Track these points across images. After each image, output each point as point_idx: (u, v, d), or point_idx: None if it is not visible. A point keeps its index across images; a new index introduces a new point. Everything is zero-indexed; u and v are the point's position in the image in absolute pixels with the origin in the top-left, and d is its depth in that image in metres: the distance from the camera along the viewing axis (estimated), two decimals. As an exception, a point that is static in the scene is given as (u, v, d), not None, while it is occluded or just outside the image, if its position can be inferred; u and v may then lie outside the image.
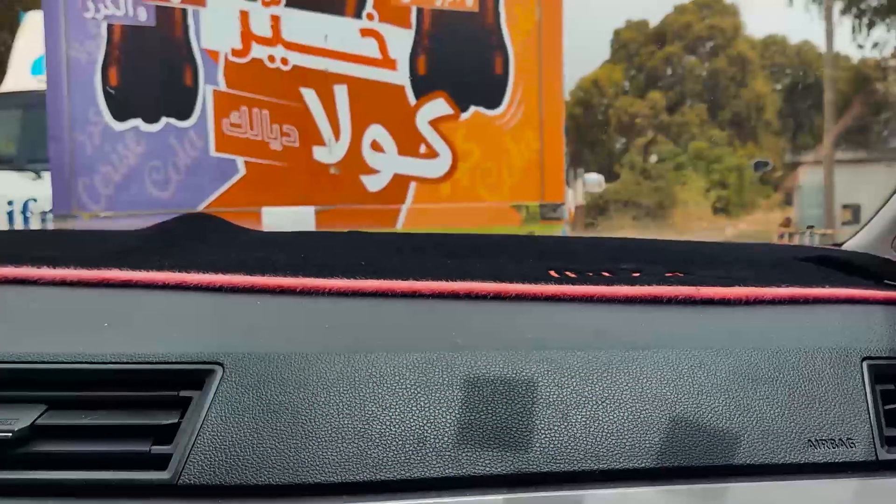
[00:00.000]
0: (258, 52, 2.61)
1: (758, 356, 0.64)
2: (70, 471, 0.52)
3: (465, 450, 0.54)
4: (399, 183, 2.63)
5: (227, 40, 2.61)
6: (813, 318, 0.76)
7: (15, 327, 0.63)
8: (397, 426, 0.55)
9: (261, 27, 2.60)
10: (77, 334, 0.61)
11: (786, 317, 0.75)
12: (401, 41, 2.59)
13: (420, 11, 2.59)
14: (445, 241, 1.04)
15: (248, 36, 2.61)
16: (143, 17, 2.63)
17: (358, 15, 2.61)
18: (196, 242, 0.91)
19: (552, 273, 0.81)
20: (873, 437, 0.61)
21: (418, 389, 0.57)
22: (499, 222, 2.60)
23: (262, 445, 0.53)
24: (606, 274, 0.82)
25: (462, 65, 2.60)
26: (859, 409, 0.63)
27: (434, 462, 0.54)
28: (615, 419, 0.57)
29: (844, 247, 1.09)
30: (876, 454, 0.60)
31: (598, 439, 0.56)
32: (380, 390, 0.56)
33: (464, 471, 0.54)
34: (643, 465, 0.56)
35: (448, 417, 0.56)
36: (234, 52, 2.62)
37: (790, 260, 0.97)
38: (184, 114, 2.65)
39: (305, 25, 2.59)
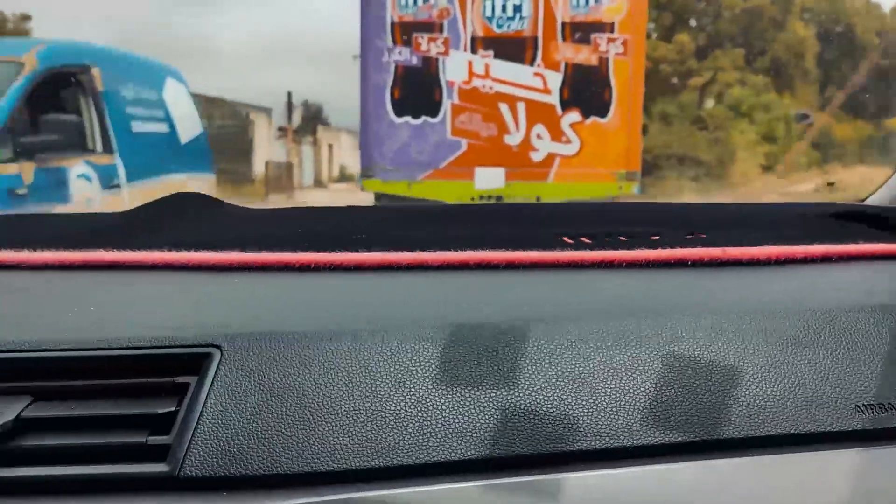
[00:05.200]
0: (476, 82, 5.83)
1: (795, 318, 0.68)
2: (61, 465, 0.55)
3: (489, 430, 0.58)
4: (550, 157, 5.90)
5: (459, 75, 5.82)
6: (850, 275, 0.82)
7: None
8: (414, 407, 0.58)
9: (479, 69, 5.82)
10: (62, 320, 0.66)
11: (820, 275, 0.81)
12: (555, 79, 5.82)
13: (566, 63, 5.81)
14: (449, 211, 1.18)
15: (471, 73, 5.82)
16: (415, 61, 5.83)
17: (532, 63, 5.82)
18: (185, 220, 0.98)
19: (566, 239, 0.88)
20: None
21: (435, 367, 0.60)
22: (603, 180, 5.88)
23: (268, 432, 0.56)
24: (623, 239, 0.90)
25: (588, 93, 5.84)
26: None
27: (455, 445, 0.57)
28: (646, 390, 0.61)
29: (867, 202, 1.17)
30: None
31: (629, 413, 0.60)
32: (392, 369, 0.60)
33: (488, 452, 0.57)
34: (680, 438, 0.59)
35: (468, 396, 0.59)
36: (464, 82, 5.84)
37: (814, 218, 1.05)
38: (434, 114, 5.88)
39: (503, 69, 5.81)
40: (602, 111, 5.85)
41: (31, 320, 0.67)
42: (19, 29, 20.19)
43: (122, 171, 5.18)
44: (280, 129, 20.85)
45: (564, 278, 0.78)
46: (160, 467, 0.55)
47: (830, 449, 0.61)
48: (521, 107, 5.84)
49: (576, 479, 0.57)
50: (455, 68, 5.82)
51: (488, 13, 5.80)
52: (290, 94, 20.44)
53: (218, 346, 0.61)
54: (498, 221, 1.05)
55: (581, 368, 0.62)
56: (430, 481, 0.56)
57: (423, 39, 5.82)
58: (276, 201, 15.54)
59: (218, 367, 0.60)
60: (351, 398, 0.58)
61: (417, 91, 5.86)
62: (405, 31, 5.83)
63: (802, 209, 1.15)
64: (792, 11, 24.19)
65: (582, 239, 0.88)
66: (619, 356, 0.63)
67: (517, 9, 5.77)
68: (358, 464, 0.56)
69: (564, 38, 5.80)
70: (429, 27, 5.83)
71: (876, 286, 0.78)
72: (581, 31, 5.78)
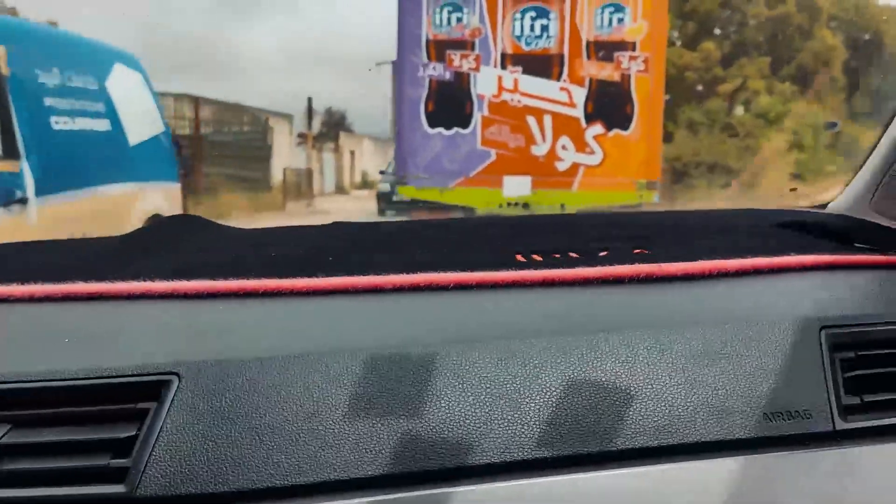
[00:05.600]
0: (505, 96, 6.33)
1: (715, 331, 0.74)
2: (34, 488, 0.62)
3: (420, 445, 0.64)
4: (574, 167, 6.40)
5: (489, 89, 6.33)
6: (774, 287, 0.88)
7: None
8: (349, 426, 0.64)
9: (508, 83, 6.32)
10: (41, 351, 0.74)
11: (748, 288, 0.87)
12: (579, 94, 6.32)
13: (591, 79, 6.30)
14: (421, 230, 1.26)
15: (500, 88, 6.33)
16: (448, 76, 6.35)
17: (558, 79, 6.32)
18: (170, 246, 1.07)
19: (519, 257, 0.95)
20: (831, 408, 0.70)
21: (372, 388, 0.67)
22: (624, 189, 6.35)
23: (216, 453, 0.62)
24: (574, 255, 0.96)
25: (610, 107, 6.33)
26: (817, 379, 0.71)
27: (387, 460, 0.63)
28: (569, 405, 0.67)
29: (828, 209, 1.24)
30: (833, 424, 0.70)
31: (551, 426, 0.66)
32: (334, 391, 0.66)
33: (417, 466, 0.63)
34: (597, 449, 0.65)
35: (402, 414, 0.65)
36: (493, 96, 6.35)
37: (765, 226, 1.12)
38: (465, 126, 6.40)
39: (531, 83, 6.31)
40: (624, 124, 6.34)
41: (14, 352, 0.74)
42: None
43: (29, 182, 4.02)
44: (300, 135, 20.76)
45: (509, 296, 0.85)
46: (118, 488, 0.61)
47: (739, 455, 0.67)
48: (547, 119, 6.34)
49: (493, 490, 0.64)
50: (485, 83, 6.33)
51: (517, 32, 6.31)
52: (310, 100, 20.13)
53: (176, 373, 0.67)
54: (466, 237, 1.15)
55: (509, 385, 0.68)
56: (363, 494, 0.62)
57: (455, 56, 6.34)
58: (294, 209, 15.72)
59: (176, 393, 0.65)
60: (293, 420, 0.64)
61: (450, 104, 6.39)
62: (439, 49, 6.35)
63: (757, 217, 1.24)
64: (819, 20, 23.97)
65: (534, 256, 0.96)
66: (543, 373, 0.69)
67: (545, 28, 6.27)
68: (298, 480, 0.62)
69: (589, 56, 6.30)
70: (461, 45, 6.35)
71: (794, 298, 0.85)
72: (605, 50, 6.28)
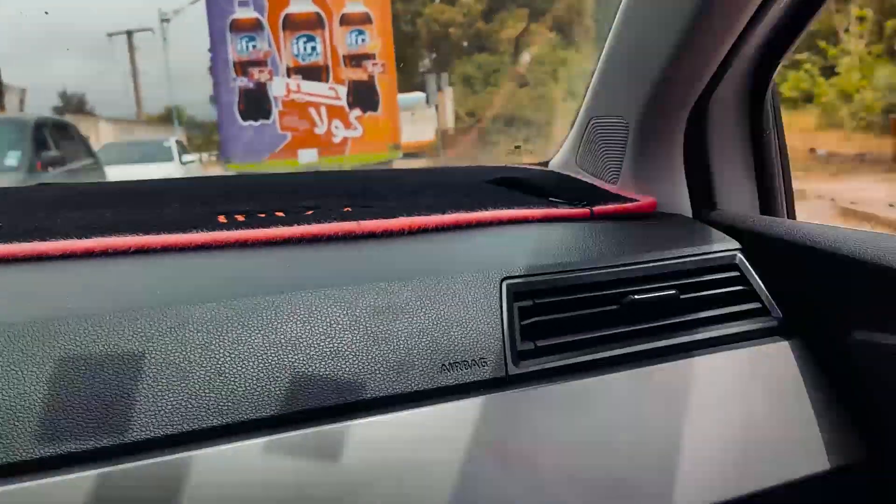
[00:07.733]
0: (293, 95, 9.70)
1: (401, 287, 0.78)
2: None
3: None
4: (344, 140, 9.92)
5: (281, 92, 9.65)
6: (465, 242, 0.94)
7: None
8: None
9: (293, 87, 9.66)
10: None
11: (442, 244, 0.93)
12: (342, 90, 9.78)
13: (349, 80, 9.78)
14: (121, 191, 1.23)
15: (288, 90, 9.66)
16: (251, 85, 9.57)
17: (327, 81, 9.74)
18: None
19: (221, 218, 0.95)
20: (505, 355, 0.77)
21: (35, 360, 0.66)
22: (379, 150, 9.92)
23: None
24: (280, 214, 0.97)
25: (364, 98, 9.86)
26: (495, 328, 0.78)
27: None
28: (243, 370, 0.68)
29: (550, 166, 1.38)
30: (506, 370, 0.77)
31: (221, 394, 0.66)
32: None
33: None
34: (269, 413, 0.67)
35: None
36: (284, 96, 9.66)
37: (482, 183, 1.22)
38: (267, 118, 9.70)
39: (309, 86, 9.71)
40: (374, 107, 9.87)
41: None
42: None
43: None
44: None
45: (198, 260, 0.85)
46: None
47: (416, 407, 0.73)
48: (323, 109, 9.75)
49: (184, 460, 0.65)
50: (278, 88, 9.60)
51: (295, 52, 9.62)
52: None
53: None
54: (171, 198, 1.15)
55: (178, 353, 0.69)
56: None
57: (255, 71, 9.55)
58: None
59: None
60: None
61: (255, 104, 9.61)
62: (243, 67, 9.52)
63: (482, 173, 1.38)
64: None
65: (237, 217, 0.98)
66: (217, 339, 0.70)
67: (314, 48, 9.65)
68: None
69: (346, 65, 9.75)
70: (258, 63, 9.56)
71: (481, 252, 0.91)
72: (355, 60, 9.75)
